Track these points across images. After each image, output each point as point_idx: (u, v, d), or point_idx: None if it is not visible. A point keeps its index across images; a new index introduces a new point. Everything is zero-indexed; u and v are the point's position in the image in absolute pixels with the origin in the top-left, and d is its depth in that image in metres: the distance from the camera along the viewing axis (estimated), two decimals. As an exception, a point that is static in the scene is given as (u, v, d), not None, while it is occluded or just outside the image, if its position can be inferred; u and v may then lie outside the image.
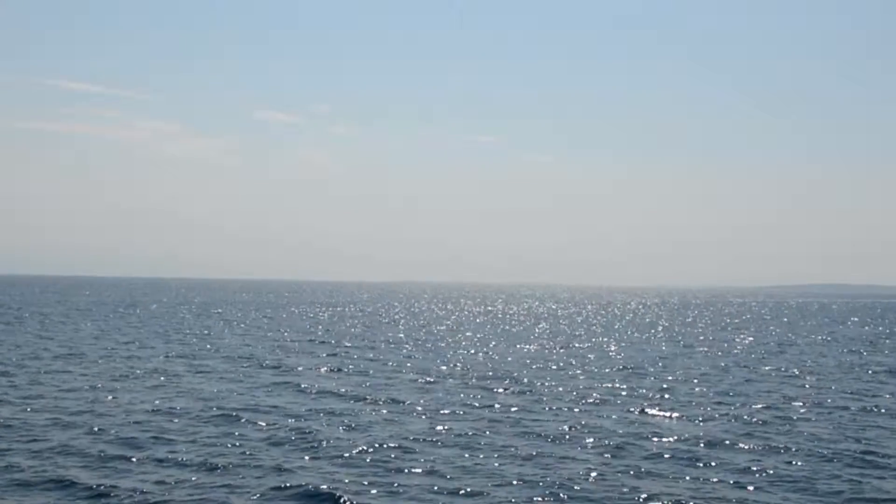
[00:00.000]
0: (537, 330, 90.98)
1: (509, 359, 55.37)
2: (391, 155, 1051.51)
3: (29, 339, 61.50)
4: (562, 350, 63.62)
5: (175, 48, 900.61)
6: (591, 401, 36.57)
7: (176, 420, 30.01)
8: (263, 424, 29.41)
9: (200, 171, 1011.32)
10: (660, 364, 53.43)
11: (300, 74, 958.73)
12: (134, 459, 24.10)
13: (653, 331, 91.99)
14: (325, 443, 26.59)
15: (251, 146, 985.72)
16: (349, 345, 64.21)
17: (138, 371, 43.70)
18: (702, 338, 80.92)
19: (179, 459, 24.12)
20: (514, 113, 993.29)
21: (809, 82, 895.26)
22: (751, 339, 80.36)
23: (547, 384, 41.78)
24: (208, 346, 59.29)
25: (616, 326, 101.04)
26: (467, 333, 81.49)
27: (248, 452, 25.14)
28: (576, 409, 34.11)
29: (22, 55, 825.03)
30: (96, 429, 28.03)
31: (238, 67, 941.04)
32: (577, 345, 69.23)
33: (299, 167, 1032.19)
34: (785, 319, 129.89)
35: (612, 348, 66.18)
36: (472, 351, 61.30)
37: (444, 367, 48.91)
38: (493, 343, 69.59)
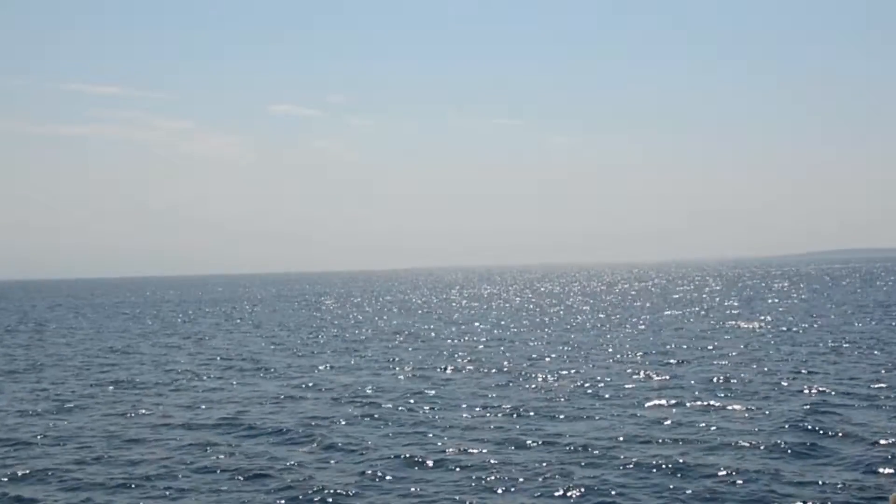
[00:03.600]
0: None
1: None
2: (408, 143, 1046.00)
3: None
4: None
5: (188, 46, 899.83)
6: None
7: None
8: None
9: (219, 169, 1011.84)
10: None
11: (314, 66, 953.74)
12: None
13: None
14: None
15: (268, 141, 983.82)
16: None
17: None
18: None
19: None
20: (536, 96, 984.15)
21: (821, 58, 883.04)
22: None
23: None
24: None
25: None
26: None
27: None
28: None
29: (39, 61, 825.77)
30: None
31: (251, 62, 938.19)
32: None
33: (317, 159, 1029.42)
34: None
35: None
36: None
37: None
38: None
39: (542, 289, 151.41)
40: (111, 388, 36.19)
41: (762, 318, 64.16)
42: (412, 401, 30.49)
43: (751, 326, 56.46)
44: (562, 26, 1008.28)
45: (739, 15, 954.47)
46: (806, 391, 29.77)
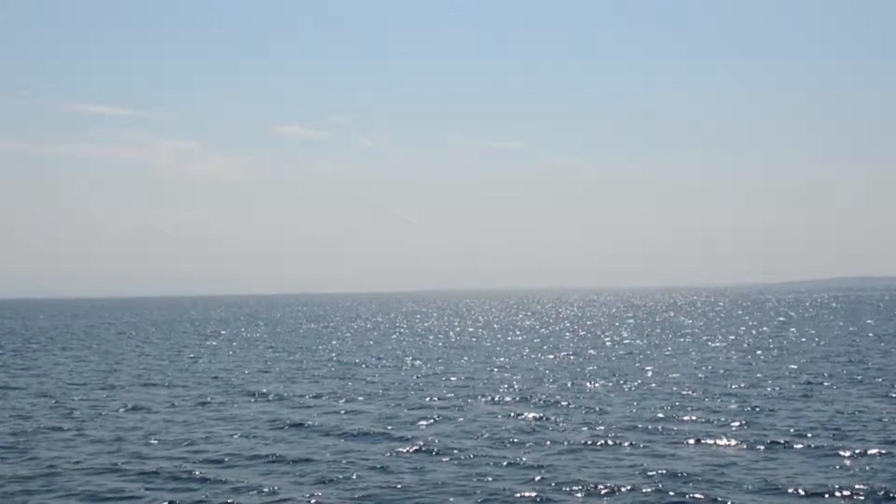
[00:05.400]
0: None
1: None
2: (416, 163, 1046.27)
3: None
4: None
5: (194, 67, 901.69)
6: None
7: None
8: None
9: (223, 189, 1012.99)
10: None
11: (320, 87, 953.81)
12: None
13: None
14: None
15: (274, 162, 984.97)
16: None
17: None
18: None
19: None
20: (540, 116, 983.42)
21: (822, 81, 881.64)
22: None
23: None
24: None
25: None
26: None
27: None
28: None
29: (44, 81, 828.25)
30: None
31: (258, 83, 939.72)
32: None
33: (323, 180, 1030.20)
34: None
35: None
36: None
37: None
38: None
39: (561, 313, 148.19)
40: (90, 410, 33.15)
41: (798, 351, 60.82)
42: (419, 431, 27.31)
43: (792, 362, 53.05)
44: (564, 45, 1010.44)
45: (740, 30, 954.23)
46: (867, 434, 26.46)
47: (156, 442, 26.57)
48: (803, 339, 67.26)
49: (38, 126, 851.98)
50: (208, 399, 36.61)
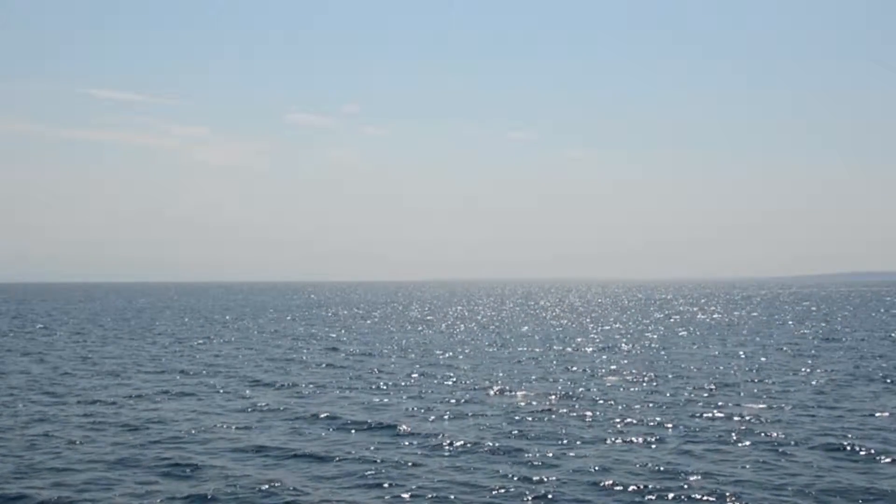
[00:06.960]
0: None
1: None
2: (422, 153, 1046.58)
3: None
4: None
5: (205, 54, 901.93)
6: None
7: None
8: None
9: (233, 176, 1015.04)
10: None
11: (329, 76, 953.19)
12: None
13: None
14: None
15: (282, 149, 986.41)
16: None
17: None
18: None
19: None
20: (546, 110, 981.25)
21: (825, 80, 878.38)
22: None
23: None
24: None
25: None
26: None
27: None
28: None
29: (55, 65, 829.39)
30: None
31: (268, 71, 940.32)
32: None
33: (331, 169, 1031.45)
34: None
35: None
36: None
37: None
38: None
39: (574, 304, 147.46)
40: (84, 396, 32.42)
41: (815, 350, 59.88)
42: (422, 423, 26.50)
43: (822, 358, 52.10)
44: (572, 42, 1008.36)
45: (741, 30, 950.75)
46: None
47: (149, 429, 25.86)
48: (815, 337, 66.27)
49: (48, 110, 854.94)
50: (208, 387, 35.90)
